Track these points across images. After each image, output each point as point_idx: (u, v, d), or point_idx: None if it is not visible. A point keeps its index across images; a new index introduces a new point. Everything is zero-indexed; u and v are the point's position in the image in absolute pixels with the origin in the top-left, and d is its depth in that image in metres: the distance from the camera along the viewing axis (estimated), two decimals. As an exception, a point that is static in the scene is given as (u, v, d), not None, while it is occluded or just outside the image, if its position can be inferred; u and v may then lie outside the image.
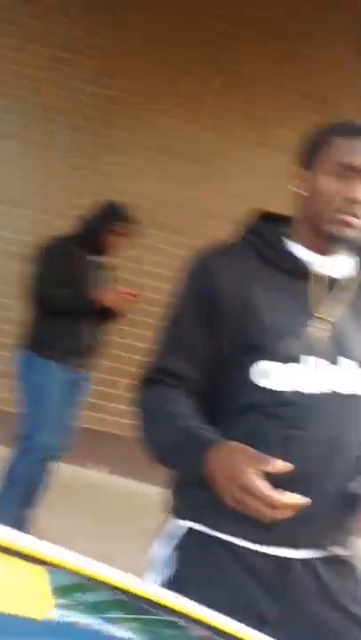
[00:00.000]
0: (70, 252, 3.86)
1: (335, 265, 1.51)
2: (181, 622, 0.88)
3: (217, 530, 1.43)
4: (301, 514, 1.27)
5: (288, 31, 5.96)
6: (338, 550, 1.46)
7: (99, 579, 0.87)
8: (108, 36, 5.87)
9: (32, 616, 0.74)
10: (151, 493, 4.83)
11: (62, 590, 0.83)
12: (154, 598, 0.89)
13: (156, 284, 5.45)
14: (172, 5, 5.88)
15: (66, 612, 0.79)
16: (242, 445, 1.30)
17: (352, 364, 1.45)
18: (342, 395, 1.44)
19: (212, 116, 5.96)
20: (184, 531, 1.46)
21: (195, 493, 1.43)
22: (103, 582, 0.87)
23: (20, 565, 0.85)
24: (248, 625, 0.94)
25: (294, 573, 1.42)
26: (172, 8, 5.86)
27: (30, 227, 5.72)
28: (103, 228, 3.90)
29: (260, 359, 1.42)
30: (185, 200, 5.84)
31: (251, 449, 1.29)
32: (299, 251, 1.50)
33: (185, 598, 0.90)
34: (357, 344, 1.48)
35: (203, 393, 1.47)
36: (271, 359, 1.41)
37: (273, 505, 1.22)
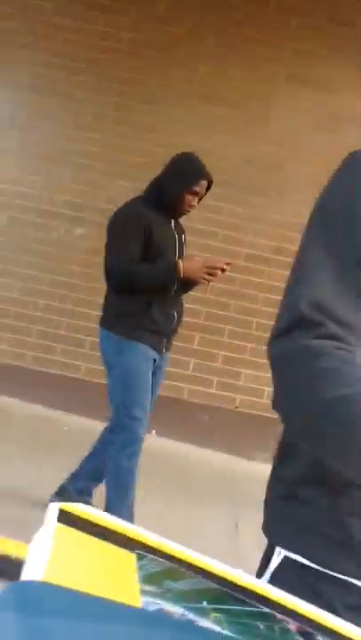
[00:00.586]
0: (146, 216, 3.46)
1: None
2: (278, 615, 0.81)
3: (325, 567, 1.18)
4: None
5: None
6: None
7: (191, 564, 0.81)
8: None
9: (122, 601, 0.69)
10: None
11: (151, 577, 0.77)
12: (249, 588, 0.82)
13: (202, 241, 5.35)
14: None
15: (152, 599, 0.74)
16: None
17: None
18: None
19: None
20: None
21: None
22: (195, 569, 0.81)
23: (111, 550, 0.80)
24: None
25: None
26: None
27: (73, 186, 5.63)
28: (181, 186, 3.48)
29: None
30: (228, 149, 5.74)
31: None
32: None
33: (282, 591, 0.83)
34: None
35: None
36: None
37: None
